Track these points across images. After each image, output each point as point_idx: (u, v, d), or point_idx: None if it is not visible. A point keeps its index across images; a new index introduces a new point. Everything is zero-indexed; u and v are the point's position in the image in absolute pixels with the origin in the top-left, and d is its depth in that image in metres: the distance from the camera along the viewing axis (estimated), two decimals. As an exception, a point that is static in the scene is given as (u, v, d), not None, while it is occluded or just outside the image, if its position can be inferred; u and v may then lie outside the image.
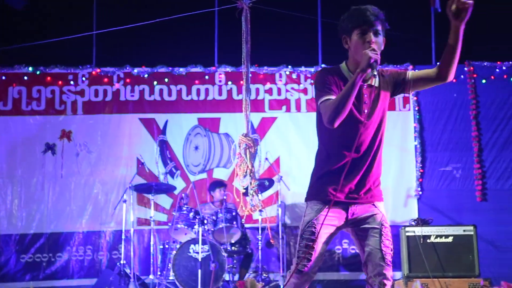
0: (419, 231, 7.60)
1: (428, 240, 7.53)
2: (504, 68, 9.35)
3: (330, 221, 3.51)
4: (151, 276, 7.93)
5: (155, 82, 9.40)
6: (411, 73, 3.65)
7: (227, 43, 9.34)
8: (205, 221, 7.73)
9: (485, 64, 9.39)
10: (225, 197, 8.25)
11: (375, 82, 3.59)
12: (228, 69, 9.42)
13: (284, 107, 9.41)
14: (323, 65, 9.43)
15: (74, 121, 9.28)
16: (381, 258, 3.52)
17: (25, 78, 9.33)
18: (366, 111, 3.51)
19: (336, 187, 3.48)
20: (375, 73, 3.34)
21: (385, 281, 3.51)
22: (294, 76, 9.45)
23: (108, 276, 8.01)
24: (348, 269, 9.03)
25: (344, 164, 3.49)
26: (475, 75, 9.37)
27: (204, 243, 7.45)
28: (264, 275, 8.00)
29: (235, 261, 8.06)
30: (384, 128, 3.67)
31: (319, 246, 3.52)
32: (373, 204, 3.61)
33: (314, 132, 9.46)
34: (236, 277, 7.92)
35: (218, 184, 8.54)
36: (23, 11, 9.10)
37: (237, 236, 7.94)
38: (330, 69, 3.70)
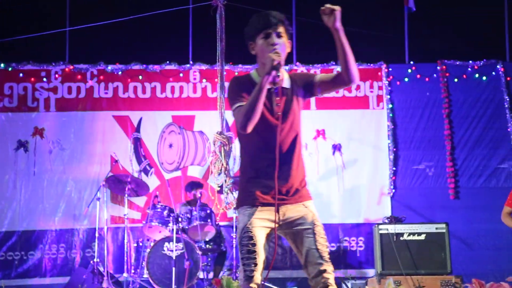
0: (392, 228, 7.66)
1: (401, 238, 7.58)
2: (476, 67, 9.44)
3: (263, 223, 3.53)
4: (125, 274, 7.90)
5: (128, 79, 9.37)
6: (319, 76, 3.70)
7: (202, 41, 9.33)
8: (180, 219, 7.73)
9: (457, 63, 9.46)
10: (199, 195, 8.25)
11: (286, 84, 3.64)
12: (203, 66, 9.41)
13: (259, 105, 9.40)
14: (297, 63, 9.46)
15: (47, 118, 9.21)
16: (319, 257, 3.53)
17: (-4, 74, 9.29)
18: (279, 113, 3.56)
19: (263, 189, 3.52)
20: (279, 74, 3.39)
21: (326, 275, 3.51)
22: (268, 74, 9.44)
23: (81, 274, 7.97)
24: (323, 266, 9.06)
25: (267, 167, 3.53)
26: (447, 74, 9.43)
27: (178, 241, 7.44)
28: (238, 272, 8.02)
29: (209, 259, 8.07)
30: (299, 129, 3.72)
31: (259, 249, 3.54)
32: (303, 204, 3.64)
33: (288, 130, 9.49)
34: (211, 275, 7.93)
35: (195, 185, 8.50)
36: None
37: (212, 234, 7.93)
38: (241, 77, 3.73)
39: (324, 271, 3.47)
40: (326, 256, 3.51)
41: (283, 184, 3.54)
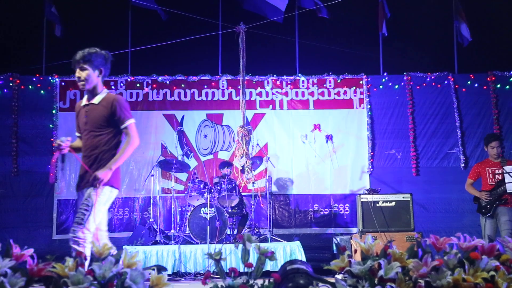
0: (371, 198, 7.66)
1: (377, 204, 7.59)
2: (433, 77, 9.40)
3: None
4: (172, 231, 8.00)
5: (174, 87, 9.44)
6: (122, 125, 4.03)
7: (228, 58, 9.37)
8: (212, 190, 7.80)
9: (419, 74, 9.42)
10: (227, 173, 8.31)
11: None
12: (229, 77, 9.46)
13: (270, 106, 9.45)
14: (299, 74, 9.48)
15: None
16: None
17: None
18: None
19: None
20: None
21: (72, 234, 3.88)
22: (278, 82, 9.49)
23: (140, 230, 8.08)
24: (318, 225, 9.10)
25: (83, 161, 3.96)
26: (411, 83, 9.39)
27: (211, 206, 7.52)
28: (256, 230, 8.09)
29: (234, 220, 8.14)
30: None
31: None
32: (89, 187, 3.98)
33: (293, 125, 9.61)
34: (235, 232, 8.01)
35: (226, 164, 8.54)
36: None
37: (236, 201, 8.01)
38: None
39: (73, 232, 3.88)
40: (78, 220, 3.92)
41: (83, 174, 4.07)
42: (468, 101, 9.30)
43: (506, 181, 6.49)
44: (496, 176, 6.72)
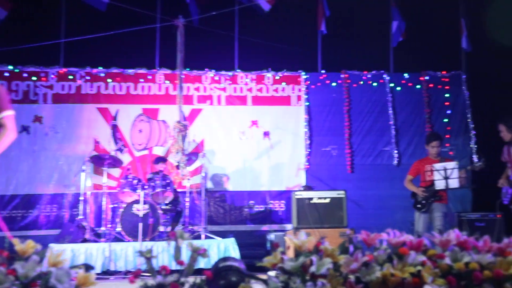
0: (306, 194, 7.73)
1: (311, 201, 7.66)
2: (369, 76, 9.62)
3: None
4: (102, 228, 7.84)
5: (109, 80, 9.24)
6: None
7: (166, 51, 9.25)
8: (146, 186, 7.69)
9: (355, 72, 9.62)
10: (162, 169, 8.20)
11: None
12: (167, 71, 9.34)
13: (208, 101, 9.40)
14: (238, 70, 9.48)
15: (45, 108, 9.03)
16: None
17: (6, 74, 9.03)
18: None
19: None
20: None
21: None
22: (216, 78, 9.45)
23: (69, 227, 7.90)
24: (253, 222, 9.13)
25: None
26: (348, 81, 9.58)
27: (144, 203, 7.41)
28: (190, 227, 8.04)
29: (168, 217, 8.06)
30: None
31: None
32: None
33: (231, 121, 9.59)
34: (169, 229, 7.93)
35: (161, 159, 8.44)
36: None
37: (170, 198, 7.93)
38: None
39: None
40: None
41: None
42: (402, 100, 9.56)
43: (435, 178, 6.74)
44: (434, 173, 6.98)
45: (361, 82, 9.59)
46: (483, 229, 7.67)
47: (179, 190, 8.46)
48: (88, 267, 2.56)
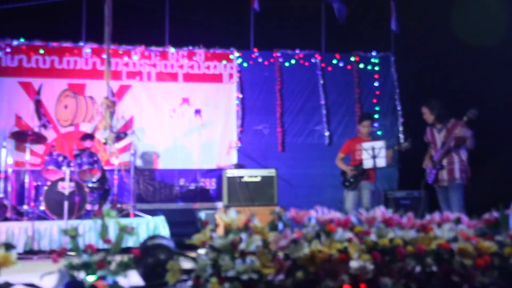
0: (237, 173, 7.80)
1: (242, 179, 7.74)
2: (301, 55, 9.71)
3: None
4: (25, 206, 7.59)
5: (31, 53, 8.88)
6: None
7: (93, 24, 8.97)
8: (72, 164, 7.50)
9: (288, 51, 9.70)
10: (89, 146, 8.01)
11: None
12: (93, 45, 9.08)
13: (138, 77, 9.24)
14: (169, 46, 9.34)
15: (-38, 81, 8.60)
16: None
17: None
18: None
19: None
20: None
21: None
22: (146, 53, 9.29)
23: (-11, 206, 7.59)
24: (184, 200, 9.11)
25: None
26: (280, 59, 9.65)
27: (70, 180, 7.23)
28: (118, 205, 7.92)
29: (95, 195, 7.91)
30: None
31: None
32: None
33: (160, 97, 9.43)
34: (96, 207, 7.78)
35: (88, 136, 8.22)
36: None
37: (98, 175, 7.77)
38: None
39: None
40: None
41: None
42: (333, 80, 9.72)
43: (363, 157, 6.95)
44: None
45: (293, 61, 9.67)
46: (408, 206, 7.99)
47: (107, 168, 8.30)
48: (8, 246, 2.47)
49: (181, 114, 9.26)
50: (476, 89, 8.24)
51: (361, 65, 9.82)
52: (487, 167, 8.16)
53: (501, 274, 2.61)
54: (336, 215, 2.74)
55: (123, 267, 2.52)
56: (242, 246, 2.51)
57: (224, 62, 9.47)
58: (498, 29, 7.71)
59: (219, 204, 8.85)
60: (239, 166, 8.16)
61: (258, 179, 7.76)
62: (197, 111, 9.28)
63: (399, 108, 9.76)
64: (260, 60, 9.60)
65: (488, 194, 7.57)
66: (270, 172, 7.82)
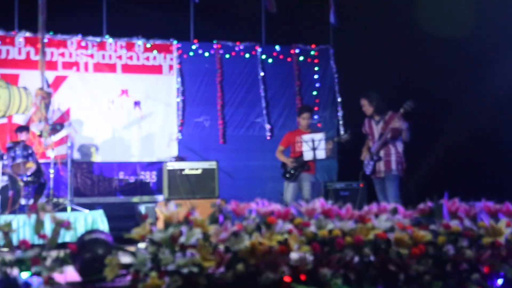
0: (177, 165, 7.75)
1: (183, 172, 7.70)
2: (241, 47, 9.72)
3: None
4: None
5: (-39, 41, 8.52)
6: None
7: (27, 12, 8.65)
8: (5, 157, 7.24)
9: (229, 43, 9.68)
10: (23, 138, 7.75)
11: None
12: (27, 34, 8.78)
13: (74, 68, 8.99)
14: (107, 36, 9.15)
15: None
16: None
17: None
18: None
19: None
20: None
21: None
22: (83, 43, 9.06)
23: None
24: (123, 194, 8.96)
25: None
26: (221, 51, 9.62)
27: (3, 174, 6.97)
28: (54, 199, 7.72)
29: (30, 189, 7.66)
30: None
31: None
32: None
33: (98, 88, 9.23)
34: (31, 202, 7.55)
35: (23, 128, 7.95)
36: None
37: (33, 169, 7.53)
38: None
39: None
40: None
41: None
42: (273, 72, 9.77)
43: (304, 149, 7.03)
44: None
45: (234, 53, 9.65)
46: (347, 198, 8.14)
47: (42, 161, 8.06)
48: None
49: (120, 105, 9.10)
50: (413, 81, 8.49)
51: (301, 58, 9.91)
52: (422, 158, 8.44)
53: (435, 262, 2.69)
54: (276, 207, 2.76)
55: (59, 263, 2.47)
56: (182, 239, 2.50)
57: (164, 53, 9.35)
58: (441, 22, 7.93)
59: (160, 197, 8.77)
60: (179, 158, 8.09)
61: (199, 171, 7.73)
62: (137, 103, 9.12)
63: (338, 100, 9.92)
64: (200, 51, 9.53)
65: (423, 185, 7.85)
66: (211, 164, 7.81)
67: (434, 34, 8.26)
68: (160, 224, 2.64)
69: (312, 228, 2.67)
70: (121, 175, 8.99)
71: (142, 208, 7.93)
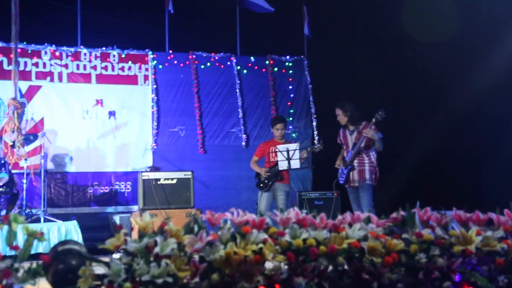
0: (152, 175, 7.70)
1: (158, 182, 7.66)
2: (217, 58, 9.74)
3: None
4: None
5: None
6: None
7: (0, 22, 8.55)
8: (-25, 168, 7.11)
9: (203, 54, 9.68)
10: (-5, 149, 7.63)
11: None
12: (0, 44, 8.68)
13: (48, 78, 8.90)
14: (81, 46, 9.08)
15: None
16: None
17: None
18: None
19: None
20: None
21: None
22: (57, 53, 8.97)
23: None
24: (98, 204, 8.86)
25: None
26: (196, 62, 9.61)
27: (-25, 185, 6.84)
28: (27, 210, 7.60)
29: (2, 200, 7.54)
30: None
31: None
32: None
33: (73, 98, 9.13)
34: (3, 213, 7.42)
35: None
36: None
37: (5, 179, 7.41)
38: None
39: None
40: None
41: None
42: (248, 83, 9.80)
43: (278, 159, 7.03)
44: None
45: (209, 64, 9.66)
46: (321, 207, 8.18)
47: (15, 171, 7.94)
48: None
49: (95, 116, 9.01)
50: (387, 90, 8.58)
51: (276, 69, 9.96)
52: (395, 167, 8.53)
53: (407, 271, 2.71)
54: (251, 216, 2.75)
55: (32, 274, 2.41)
56: (157, 249, 2.48)
57: (139, 63, 9.31)
58: (416, 30, 8.04)
59: (135, 208, 8.70)
60: (154, 168, 8.05)
61: (174, 181, 7.70)
62: (111, 113, 9.07)
63: (313, 110, 9.97)
64: (175, 62, 9.52)
65: (396, 194, 7.93)
66: (186, 174, 7.78)
67: (407, 43, 8.38)
68: (134, 235, 2.62)
69: (287, 238, 2.66)
70: (96, 185, 8.89)
71: (117, 218, 7.84)
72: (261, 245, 2.56)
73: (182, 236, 2.58)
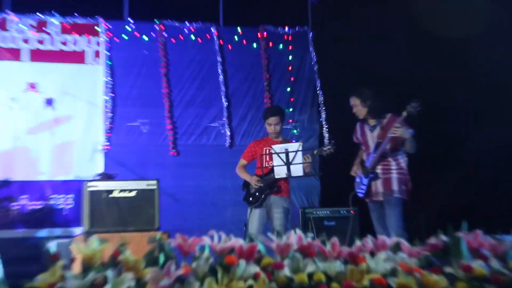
0: (103, 186, 7.63)
1: (111, 195, 7.59)
2: (192, 29, 9.73)
3: None
4: None
5: None
6: None
7: None
8: None
9: (175, 24, 9.69)
10: None
11: None
12: None
13: (-36, 53, 8.91)
14: (9, 12, 9.05)
15: None
16: None
17: None
18: None
19: None
20: None
21: None
22: (-24, 20, 8.98)
23: None
24: (27, 226, 8.80)
25: None
26: (165, 34, 9.62)
27: None
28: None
29: None
30: None
31: None
32: None
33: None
34: None
35: None
36: None
37: None
38: None
39: None
40: None
41: None
42: (234, 62, 9.84)
43: (275, 163, 6.94)
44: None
45: (182, 37, 9.68)
46: (333, 229, 8.18)
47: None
48: None
49: (26, 104, 9.00)
50: (420, 75, 8.52)
51: (271, 43, 9.98)
52: (434, 176, 8.47)
53: (453, 317, 2.69)
54: (238, 242, 2.74)
55: None
56: (107, 288, 2.46)
57: (88, 35, 9.34)
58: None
59: (78, 230, 8.65)
60: (106, 176, 8.00)
61: (132, 194, 7.64)
62: (49, 101, 9.07)
63: (320, 98, 9.97)
64: (137, 34, 9.54)
65: (435, 212, 7.89)
66: (150, 184, 7.71)
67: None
68: (76, 267, 2.60)
69: (286, 271, 2.64)
70: (24, 199, 8.85)
71: (52, 246, 7.77)
72: (251, 281, 2.54)
73: (143, 269, 2.59)
